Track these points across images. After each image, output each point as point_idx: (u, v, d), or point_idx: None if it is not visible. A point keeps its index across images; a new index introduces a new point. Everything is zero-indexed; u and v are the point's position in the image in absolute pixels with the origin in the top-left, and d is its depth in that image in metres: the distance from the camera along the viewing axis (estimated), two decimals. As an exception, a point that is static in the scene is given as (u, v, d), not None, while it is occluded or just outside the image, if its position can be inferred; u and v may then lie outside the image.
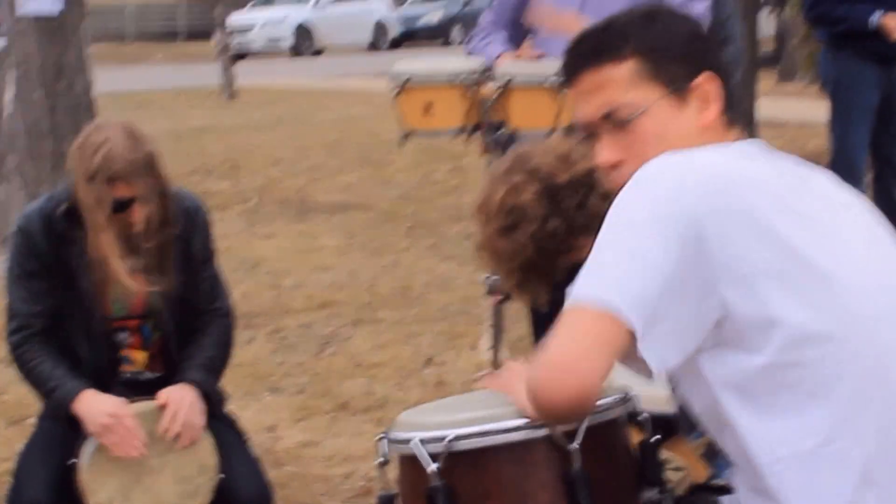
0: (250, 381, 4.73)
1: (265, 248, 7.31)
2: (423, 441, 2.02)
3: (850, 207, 1.95)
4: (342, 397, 4.59)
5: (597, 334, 1.78)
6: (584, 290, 1.82)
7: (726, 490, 2.04)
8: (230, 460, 3.49)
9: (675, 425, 2.31)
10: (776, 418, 1.81)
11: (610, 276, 1.79)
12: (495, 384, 2.08)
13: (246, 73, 18.10)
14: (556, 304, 2.76)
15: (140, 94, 16.78)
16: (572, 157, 2.63)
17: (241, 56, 23.30)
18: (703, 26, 3.92)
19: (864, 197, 2.02)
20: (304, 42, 26.48)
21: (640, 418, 2.07)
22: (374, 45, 27.18)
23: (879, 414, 1.82)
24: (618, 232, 1.82)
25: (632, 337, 1.78)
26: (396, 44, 27.59)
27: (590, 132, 2.00)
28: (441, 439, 2.00)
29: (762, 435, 1.82)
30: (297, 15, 26.52)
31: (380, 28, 27.63)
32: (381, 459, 2.10)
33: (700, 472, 2.27)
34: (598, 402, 1.99)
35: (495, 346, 4.05)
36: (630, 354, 1.82)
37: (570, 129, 4.22)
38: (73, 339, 3.47)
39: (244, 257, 6.90)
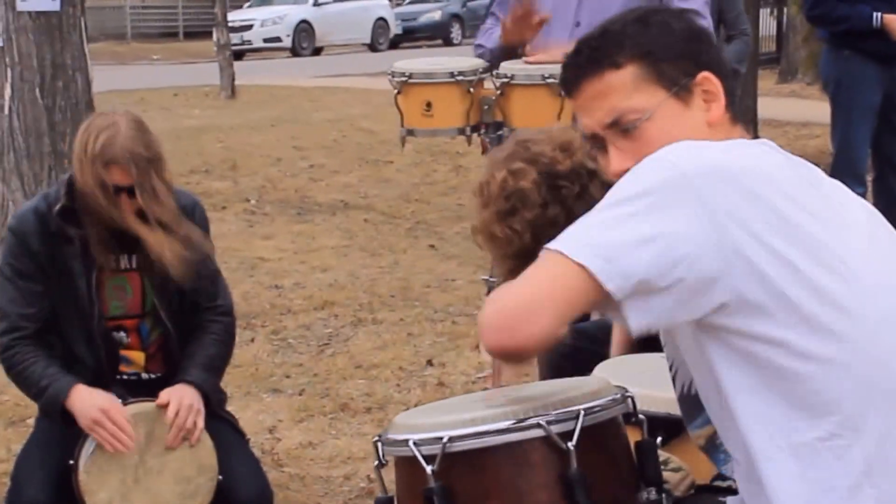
0: (250, 382, 4.72)
1: (264, 248, 7.30)
2: (419, 442, 2.01)
3: (855, 208, 1.95)
4: (342, 398, 4.58)
5: (562, 287, 1.76)
6: (570, 241, 1.79)
7: (732, 491, 2.03)
8: (230, 461, 3.49)
9: (674, 426, 2.31)
10: (778, 406, 1.81)
11: (604, 238, 1.77)
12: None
13: (245, 72, 18.07)
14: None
15: (139, 92, 16.76)
16: (574, 146, 2.62)
17: (240, 55, 23.29)
18: (704, 19, 3.94)
19: (865, 198, 2.02)
20: (303, 41, 26.47)
21: (636, 419, 2.07)
22: (373, 44, 27.17)
23: (882, 415, 1.82)
24: (625, 200, 1.79)
25: (608, 296, 1.76)
26: (396, 42, 27.58)
27: (597, 142, 2.00)
28: (438, 440, 1.99)
29: (762, 421, 1.81)
30: (297, 13, 26.50)
31: (379, 27, 27.60)
32: (378, 462, 2.10)
33: (703, 471, 2.26)
34: (595, 403, 2.00)
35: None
36: (605, 306, 1.80)
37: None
38: (70, 339, 3.46)
39: (243, 258, 6.89)
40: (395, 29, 27.98)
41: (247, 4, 28.40)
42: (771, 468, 1.81)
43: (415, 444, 2.01)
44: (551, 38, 4.08)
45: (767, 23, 18.35)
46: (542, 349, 1.80)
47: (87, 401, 3.33)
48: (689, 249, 1.75)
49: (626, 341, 3.08)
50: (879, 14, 5.74)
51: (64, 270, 3.40)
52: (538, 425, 1.99)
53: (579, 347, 2.59)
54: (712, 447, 2.12)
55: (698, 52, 1.97)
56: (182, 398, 3.40)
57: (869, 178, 6.11)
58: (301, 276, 6.56)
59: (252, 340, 5.33)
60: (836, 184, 1.97)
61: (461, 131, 4.19)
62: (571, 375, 2.53)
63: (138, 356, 3.54)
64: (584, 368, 2.71)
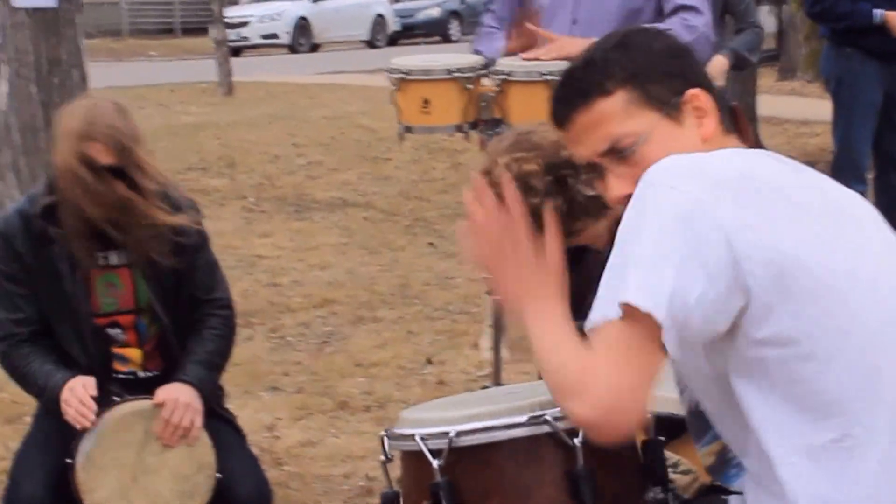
0: (249, 380, 4.71)
1: (263, 246, 7.28)
2: (426, 437, 2.02)
3: (857, 209, 1.95)
4: (341, 396, 4.57)
5: (640, 352, 1.77)
6: (620, 294, 1.79)
7: (736, 491, 2.02)
8: (229, 459, 3.47)
9: (681, 427, 2.30)
10: (791, 412, 1.81)
11: (646, 280, 1.77)
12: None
13: (243, 69, 18.06)
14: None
15: (135, 89, 16.73)
16: None
17: (238, 51, 23.28)
18: (702, 15, 3.93)
19: (866, 196, 2.01)
20: (301, 37, 26.46)
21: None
22: (372, 41, 27.16)
23: (892, 412, 1.83)
24: (644, 234, 1.79)
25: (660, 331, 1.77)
26: (395, 39, 27.57)
27: (595, 170, 2.00)
28: (444, 435, 2.00)
29: (776, 427, 1.81)
30: (295, 10, 26.49)
31: (378, 23, 27.60)
32: (384, 457, 2.09)
33: (706, 476, 2.25)
34: None
35: (496, 344, 4.03)
36: None
37: None
38: (63, 340, 3.44)
39: (241, 255, 6.87)
40: (394, 26, 27.97)
41: (244, 1, 28.39)
42: (790, 472, 1.81)
43: (422, 438, 2.02)
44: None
45: (767, 20, 18.35)
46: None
47: (65, 390, 3.32)
48: (711, 269, 1.76)
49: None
50: (880, 11, 5.73)
51: (51, 271, 3.37)
52: (545, 421, 2.00)
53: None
54: (722, 464, 2.12)
55: (682, 69, 1.99)
56: (179, 397, 3.38)
57: (869, 176, 6.10)
58: (300, 274, 6.55)
59: (251, 338, 5.31)
60: (837, 185, 1.97)
61: (459, 128, 4.18)
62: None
63: (135, 354, 3.52)
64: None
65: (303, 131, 12.05)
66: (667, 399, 2.36)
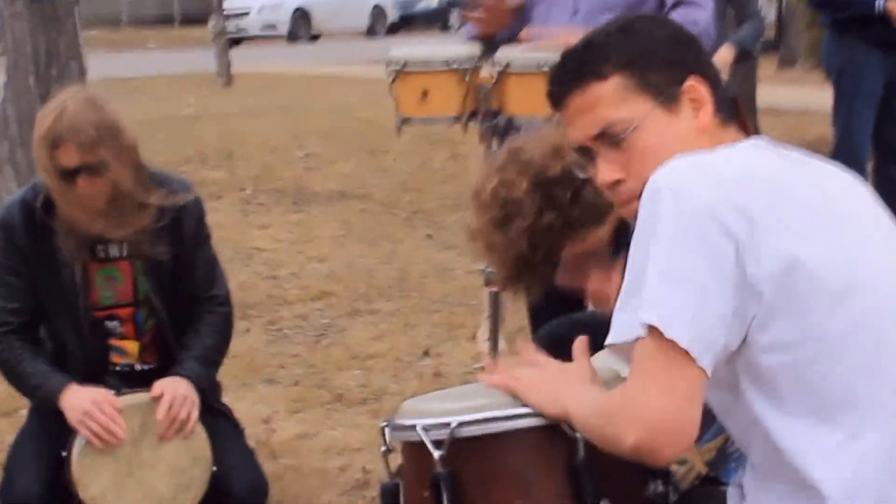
0: (245, 373, 4.70)
1: (260, 238, 7.27)
2: (427, 428, 2.02)
3: (857, 199, 1.94)
4: (338, 389, 4.56)
5: (683, 378, 1.77)
6: (643, 315, 1.78)
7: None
8: (225, 452, 3.46)
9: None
10: (800, 414, 1.80)
11: (667, 302, 1.76)
12: (500, 387, 2.04)
13: (242, 59, 18.04)
14: (551, 297, 2.75)
15: (134, 80, 16.73)
16: (564, 149, 2.61)
17: (237, 41, 23.25)
18: (708, 38, 3.92)
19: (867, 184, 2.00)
20: (300, 27, 26.43)
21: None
22: (371, 31, 27.15)
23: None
24: (659, 250, 1.78)
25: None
26: (394, 29, 27.56)
27: (586, 153, 1.99)
28: (446, 426, 2.00)
29: (788, 428, 1.81)
30: (294, 1, 26.47)
31: (377, 13, 27.58)
32: (385, 448, 2.08)
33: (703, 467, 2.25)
34: None
35: (493, 336, 4.02)
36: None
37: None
38: (59, 332, 3.43)
39: (239, 247, 6.86)
40: (393, 16, 27.95)
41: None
42: (812, 474, 1.81)
43: (423, 429, 2.02)
44: (550, 24, 4.05)
45: (766, 9, 18.34)
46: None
47: (77, 399, 3.30)
48: (726, 281, 1.76)
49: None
50: (882, 0, 5.71)
51: (50, 262, 3.36)
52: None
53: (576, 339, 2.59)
54: (721, 459, 2.11)
55: (684, 58, 1.96)
56: (176, 390, 3.37)
57: (868, 166, 6.09)
58: (297, 266, 6.54)
59: (248, 331, 5.30)
60: (838, 173, 1.96)
61: (457, 119, 4.17)
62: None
63: (132, 347, 3.52)
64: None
65: (301, 122, 12.04)
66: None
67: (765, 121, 9.17)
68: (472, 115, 4.16)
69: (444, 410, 2.04)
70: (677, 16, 3.86)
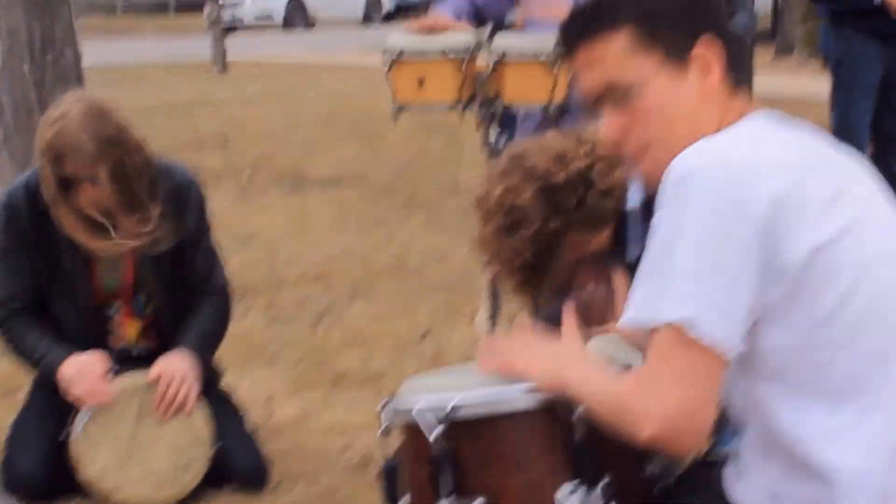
0: (245, 355, 4.70)
1: (259, 222, 7.27)
2: (425, 409, 2.01)
3: (864, 177, 1.93)
4: (338, 370, 4.56)
5: (707, 372, 1.77)
6: (670, 308, 1.76)
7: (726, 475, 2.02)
8: (226, 433, 3.48)
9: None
10: (808, 399, 1.80)
11: (698, 297, 1.75)
12: (498, 365, 2.04)
13: (237, 47, 18.01)
14: (558, 302, 2.75)
15: (130, 67, 16.70)
16: (568, 156, 2.62)
17: (232, 29, 23.20)
18: None
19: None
20: (296, 15, 26.35)
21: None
22: (367, 19, 27.08)
23: None
24: (687, 242, 1.75)
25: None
26: (390, 17, 27.48)
27: (593, 105, 1.96)
28: (444, 407, 1.99)
29: (792, 413, 1.81)
30: (289, -11, 26.41)
31: (373, 1, 27.50)
32: (384, 429, 2.09)
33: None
34: None
35: (492, 319, 4.03)
36: None
37: (562, 112, 4.19)
38: (59, 315, 3.45)
39: (237, 231, 6.86)
40: (388, 5, 27.88)
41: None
42: (816, 458, 1.81)
43: (421, 409, 2.01)
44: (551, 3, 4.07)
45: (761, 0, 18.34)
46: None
47: (71, 367, 3.32)
48: (752, 273, 1.75)
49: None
50: (880, -9, 5.70)
51: (53, 246, 3.38)
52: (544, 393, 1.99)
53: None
54: (719, 425, 2.11)
55: (697, 17, 1.91)
56: (175, 370, 3.39)
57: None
58: (295, 250, 6.54)
59: (247, 314, 5.30)
60: (846, 154, 1.94)
61: (454, 106, 4.17)
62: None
63: (131, 331, 3.53)
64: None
65: (298, 110, 12.03)
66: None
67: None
68: (469, 102, 4.17)
69: (442, 391, 2.04)
70: None
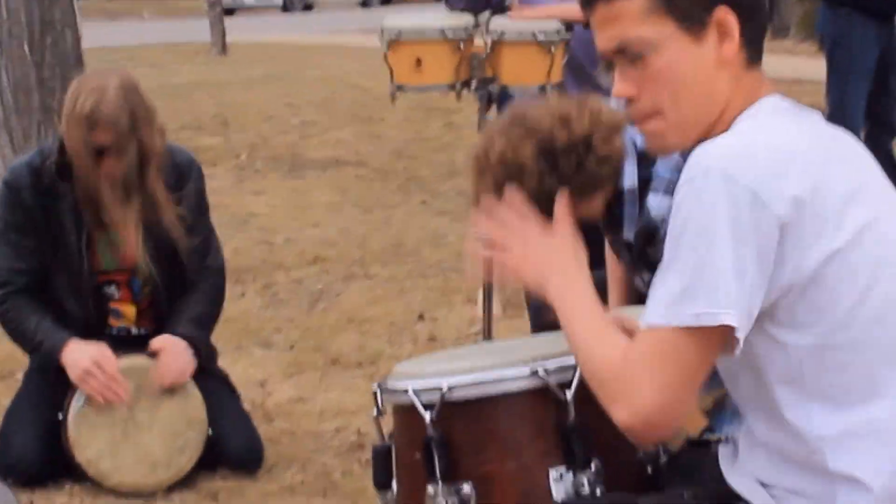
0: (241, 336, 4.70)
1: (256, 203, 7.26)
2: (419, 391, 2.01)
3: (867, 161, 1.91)
4: (333, 352, 4.56)
5: (704, 368, 1.76)
6: (705, 308, 1.73)
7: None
8: (221, 415, 3.49)
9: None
10: (820, 399, 1.79)
11: (733, 299, 1.72)
12: (489, 258, 1.99)
13: (236, 29, 17.99)
14: None
15: (129, 49, 16.68)
16: (571, 119, 2.61)
17: (231, 11, 23.16)
18: None
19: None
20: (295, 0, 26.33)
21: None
22: (365, 1, 27.03)
23: None
24: (716, 243, 1.72)
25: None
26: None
27: (607, 62, 1.94)
28: (437, 389, 1.99)
29: (803, 411, 1.79)
30: (289, -30, 26.36)
31: (371, -16, 27.48)
32: (377, 411, 2.09)
33: (696, 424, 2.25)
34: None
35: (487, 300, 4.03)
36: None
37: (561, 88, 4.20)
38: (60, 293, 3.45)
39: (235, 213, 6.86)
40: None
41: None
42: (827, 457, 1.79)
43: (414, 391, 2.01)
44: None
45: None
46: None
47: (78, 354, 3.33)
48: (775, 272, 1.73)
49: (622, 296, 3.07)
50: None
51: (56, 225, 3.39)
52: (537, 375, 2.00)
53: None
54: (718, 408, 2.11)
55: None
56: (174, 345, 3.41)
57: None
58: (292, 232, 6.53)
59: (243, 295, 5.30)
60: (852, 141, 1.93)
61: (451, 87, 4.16)
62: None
63: (129, 310, 3.54)
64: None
65: (297, 91, 12.02)
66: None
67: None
68: (466, 83, 4.17)
69: (435, 373, 2.04)
70: None
